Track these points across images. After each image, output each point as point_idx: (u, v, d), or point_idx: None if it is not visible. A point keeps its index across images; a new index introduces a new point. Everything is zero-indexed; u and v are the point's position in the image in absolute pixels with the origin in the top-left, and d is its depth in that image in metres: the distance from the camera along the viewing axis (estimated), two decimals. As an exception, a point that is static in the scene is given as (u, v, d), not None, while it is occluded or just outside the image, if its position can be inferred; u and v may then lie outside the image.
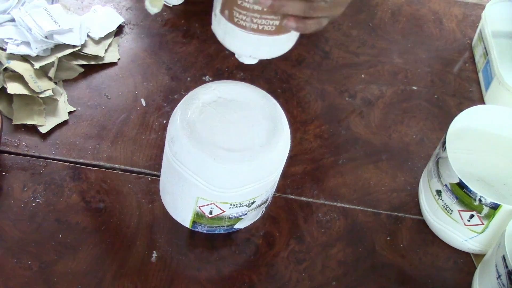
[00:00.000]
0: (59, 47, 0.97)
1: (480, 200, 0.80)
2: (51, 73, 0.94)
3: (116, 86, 0.98)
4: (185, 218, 0.79)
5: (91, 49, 1.00)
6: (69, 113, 0.94)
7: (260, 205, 0.79)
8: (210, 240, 0.84)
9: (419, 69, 1.11)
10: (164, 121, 0.95)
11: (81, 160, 0.90)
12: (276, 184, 0.79)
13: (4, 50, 0.95)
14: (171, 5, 1.08)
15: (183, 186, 0.74)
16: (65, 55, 0.97)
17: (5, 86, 0.91)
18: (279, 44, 0.74)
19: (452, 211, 0.84)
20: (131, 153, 0.91)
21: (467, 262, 0.88)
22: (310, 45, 1.10)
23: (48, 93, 0.92)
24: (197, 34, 1.06)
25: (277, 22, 0.70)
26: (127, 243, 0.83)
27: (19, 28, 0.96)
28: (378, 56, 1.11)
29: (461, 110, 0.89)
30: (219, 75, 1.02)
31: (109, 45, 1.02)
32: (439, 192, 0.85)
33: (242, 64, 0.76)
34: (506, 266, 0.73)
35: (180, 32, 1.07)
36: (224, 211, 0.76)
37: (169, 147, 0.73)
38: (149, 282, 0.80)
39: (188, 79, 1.01)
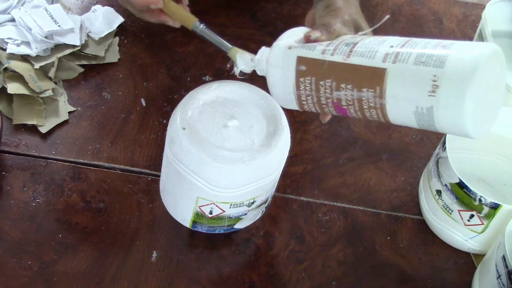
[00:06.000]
0: (59, 47, 0.97)
1: (480, 200, 0.80)
2: (51, 73, 0.94)
3: (116, 86, 0.98)
4: (185, 218, 0.79)
5: (91, 49, 1.00)
6: (69, 113, 0.94)
7: (260, 205, 0.79)
8: (210, 240, 0.84)
9: (419, 69, 1.10)
10: (164, 121, 0.95)
11: (81, 160, 0.90)
12: (276, 184, 0.79)
13: (4, 50, 0.95)
14: None
15: (183, 186, 0.74)
16: (65, 55, 0.97)
17: (5, 86, 0.91)
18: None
19: (452, 211, 0.84)
20: (131, 153, 0.91)
21: (467, 262, 0.88)
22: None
23: (48, 93, 0.92)
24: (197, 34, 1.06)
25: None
26: (127, 243, 0.83)
27: (19, 28, 0.96)
28: (378, 56, 1.11)
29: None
30: (219, 75, 1.02)
31: (109, 45, 1.02)
32: (439, 192, 0.85)
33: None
34: (506, 266, 0.73)
35: (180, 32, 1.06)
36: (224, 211, 0.76)
37: (169, 147, 0.73)
38: (149, 282, 0.80)
39: (188, 79, 1.01)
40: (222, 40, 0.76)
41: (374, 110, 0.63)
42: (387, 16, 0.74)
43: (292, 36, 0.70)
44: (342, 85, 0.63)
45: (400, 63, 0.60)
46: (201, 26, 0.78)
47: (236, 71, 0.74)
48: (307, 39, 0.68)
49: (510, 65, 1.05)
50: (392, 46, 0.62)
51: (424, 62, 0.59)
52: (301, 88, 0.67)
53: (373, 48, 0.63)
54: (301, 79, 0.66)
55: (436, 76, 0.57)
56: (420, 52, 0.60)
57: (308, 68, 0.66)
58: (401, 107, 0.61)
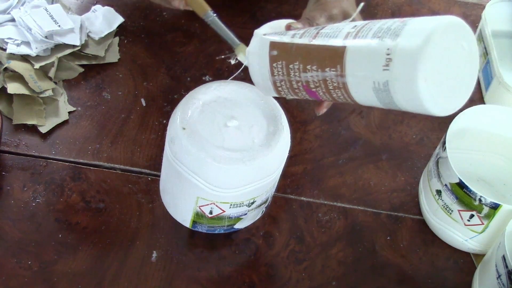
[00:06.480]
0: (59, 47, 0.97)
1: (480, 200, 0.80)
2: (51, 73, 0.94)
3: (116, 86, 0.98)
4: (185, 218, 0.79)
5: (91, 49, 1.00)
6: (69, 113, 0.94)
7: (260, 205, 0.79)
8: (210, 240, 0.84)
9: (419, 69, 1.10)
10: (164, 121, 0.95)
11: (81, 160, 0.90)
12: (276, 184, 0.79)
13: (4, 50, 0.95)
14: None
15: (183, 186, 0.74)
16: (65, 55, 0.97)
17: (5, 86, 0.91)
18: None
19: (452, 211, 0.84)
20: (131, 153, 0.91)
21: (467, 262, 0.88)
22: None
23: (48, 93, 0.92)
24: (197, 34, 1.06)
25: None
26: (127, 243, 0.83)
27: (19, 28, 0.96)
28: (378, 56, 1.11)
29: (461, 110, 0.89)
30: (219, 75, 1.02)
31: (109, 45, 1.02)
32: (439, 192, 0.85)
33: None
34: (506, 266, 0.73)
35: (180, 32, 1.07)
36: (224, 211, 0.76)
37: (169, 147, 0.73)
38: (149, 282, 0.80)
39: (188, 79, 1.01)
40: (232, 34, 0.76)
41: (339, 91, 0.62)
42: (362, 4, 0.73)
43: (275, 27, 0.70)
44: (308, 67, 0.63)
45: (358, 39, 0.59)
46: (214, 16, 0.78)
47: (233, 62, 0.74)
48: (287, 29, 0.68)
49: (510, 65, 1.05)
50: (355, 26, 0.61)
51: (380, 37, 0.58)
52: (275, 74, 0.67)
53: (337, 29, 0.62)
54: (274, 64, 0.66)
55: (389, 49, 0.56)
56: (378, 27, 0.59)
57: (279, 53, 0.66)
58: (360, 84, 0.60)
